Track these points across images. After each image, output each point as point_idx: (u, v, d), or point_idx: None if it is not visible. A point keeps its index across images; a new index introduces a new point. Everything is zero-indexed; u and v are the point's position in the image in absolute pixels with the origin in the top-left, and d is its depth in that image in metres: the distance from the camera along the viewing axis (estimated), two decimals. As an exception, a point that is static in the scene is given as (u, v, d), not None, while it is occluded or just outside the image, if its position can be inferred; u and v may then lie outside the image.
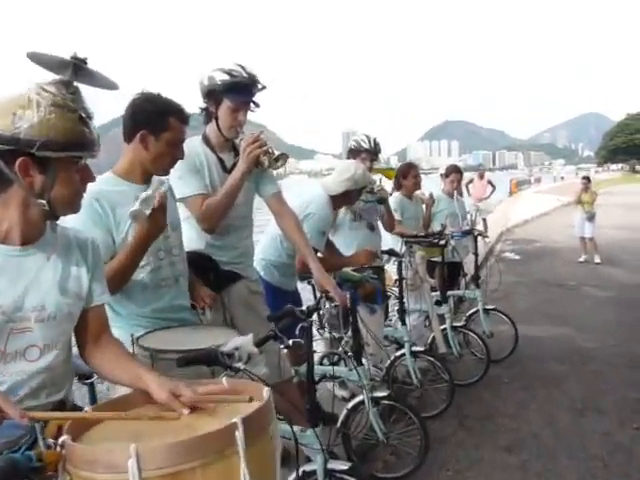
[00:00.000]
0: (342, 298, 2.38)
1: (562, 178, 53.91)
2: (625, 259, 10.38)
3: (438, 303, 4.27)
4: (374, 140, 3.91)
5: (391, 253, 3.68)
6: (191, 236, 2.51)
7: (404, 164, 5.06)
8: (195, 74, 2.56)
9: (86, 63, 1.39)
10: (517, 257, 11.39)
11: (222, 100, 2.43)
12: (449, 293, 4.72)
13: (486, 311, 4.80)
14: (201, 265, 2.43)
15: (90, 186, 1.91)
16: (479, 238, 4.93)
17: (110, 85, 1.34)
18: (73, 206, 1.39)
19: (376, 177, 4.13)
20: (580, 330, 5.70)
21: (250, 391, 1.28)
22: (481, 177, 14.02)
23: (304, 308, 2.17)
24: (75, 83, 1.30)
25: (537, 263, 10.42)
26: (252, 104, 2.49)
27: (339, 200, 3.24)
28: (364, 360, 2.87)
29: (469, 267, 5.06)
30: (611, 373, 4.45)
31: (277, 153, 2.38)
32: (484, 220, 12.43)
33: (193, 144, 2.50)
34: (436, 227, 4.93)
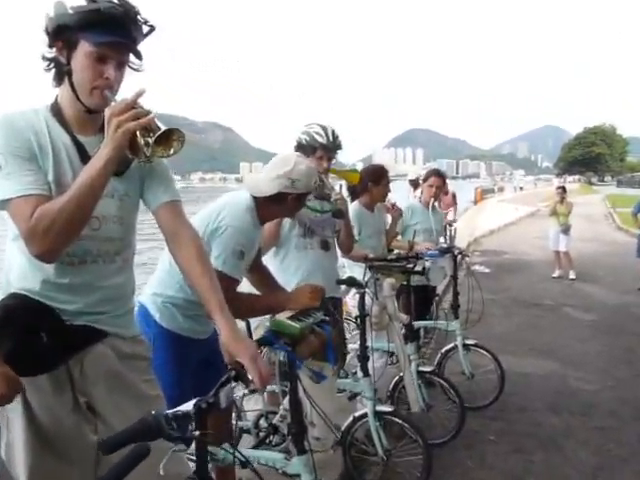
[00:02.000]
0: (262, 378, 1.42)
1: (521, 189, 52.88)
2: (600, 275, 9.80)
3: (403, 339, 3.37)
4: (332, 132, 2.96)
5: (350, 283, 2.75)
6: (21, 267, 1.53)
7: (375, 166, 3.98)
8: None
9: None
10: (487, 270, 10.70)
11: (78, 42, 1.46)
12: (418, 324, 3.86)
13: (466, 347, 3.95)
14: (26, 318, 1.45)
15: None
16: (458, 258, 4.08)
17: None
18: None
19: (335, 182, 3.22)
20: (570, 365, 4.91)
21: None
22: (445, 193, 12.65)
23: (190, 407, 1.21)
24: None
25: (509, 278, 9.73)
26: (131, 54, 1.52)
27: (269, 207, 2.24)
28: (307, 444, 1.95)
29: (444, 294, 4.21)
30: (621, 429, 3.62)
31: (163, 129, 1.41)
32: (450, 224, 11.45)
33: (31, 116, 1.52)
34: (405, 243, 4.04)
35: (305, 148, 2.87)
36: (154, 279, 2.17)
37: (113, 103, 1.47)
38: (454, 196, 12.05)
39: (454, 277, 4.00)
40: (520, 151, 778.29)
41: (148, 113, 1.40)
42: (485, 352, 3.95)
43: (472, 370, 3.93)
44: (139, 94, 1.43)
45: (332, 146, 2.91)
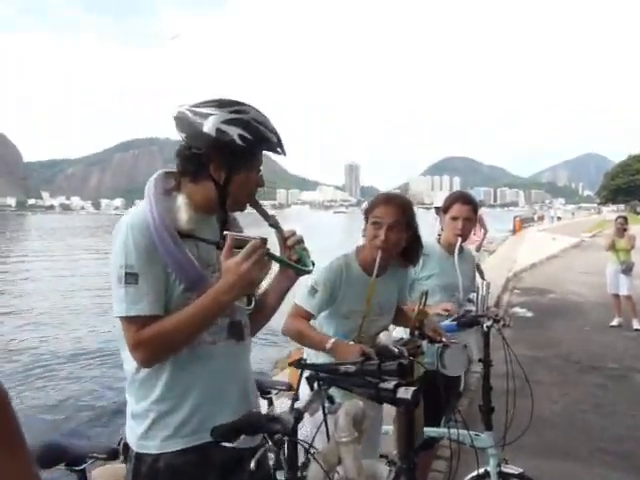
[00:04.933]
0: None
1: (559, 219, 49.17)
2: (672, 325, 8.02)
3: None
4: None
5: (267, 428, 1.27)
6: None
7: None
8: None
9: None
10: (529, 314, 9.07)
11: None
12: (427, 433, 2.42)
13: (503, 476, 2.44)
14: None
15: None
16: (493, 328, 2.58)
17: None
18: None
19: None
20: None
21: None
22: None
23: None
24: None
25: (557, 325, 8.06)
26: None
27: None
28: None
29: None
30: None
31: None
32: (477, 267, 9.69)
33: None
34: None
35: (239, 156, 1.42)
36: None
37: None
38: (481, 220, 9.48)
39: (485, 362, 2.51)
40: (560, 179, 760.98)
41: None
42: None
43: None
44: None
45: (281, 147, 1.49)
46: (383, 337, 1.88)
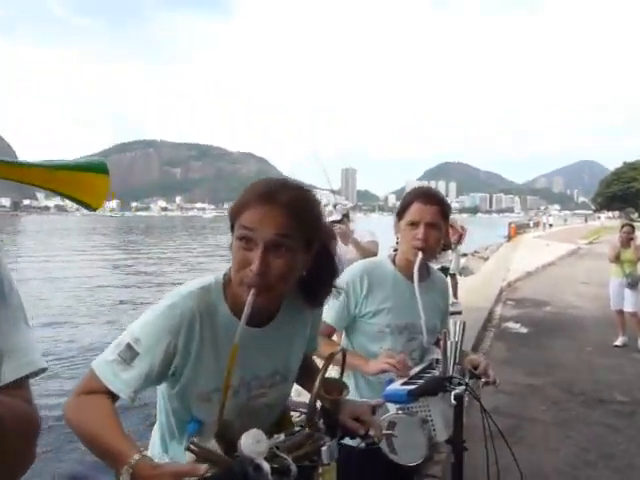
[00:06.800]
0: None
1: (550, 226, 47.83)
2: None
3: None
4: None
5: None
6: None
7: None
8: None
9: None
10: (524, 330, 8.24)
11: None
12: None
13: None
14: None
15: None
16: (465, 398, 1.69)
17: None
18: None
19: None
20: None
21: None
22: (446, 232, 9.09)
23: None
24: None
25: (554, 345, 7.18)
26: None
27: None
28: None
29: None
30: None
31: None
32: (452, 277, 8.80)
33: None
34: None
35: None
36: None
37: None
38: (460, 237, 9.09)
39: (456, 445, 1.62)
40: (556, 185, 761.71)
41: None
42: None
43: None
44: None
45: None
46: (246, 440, 0.96)
